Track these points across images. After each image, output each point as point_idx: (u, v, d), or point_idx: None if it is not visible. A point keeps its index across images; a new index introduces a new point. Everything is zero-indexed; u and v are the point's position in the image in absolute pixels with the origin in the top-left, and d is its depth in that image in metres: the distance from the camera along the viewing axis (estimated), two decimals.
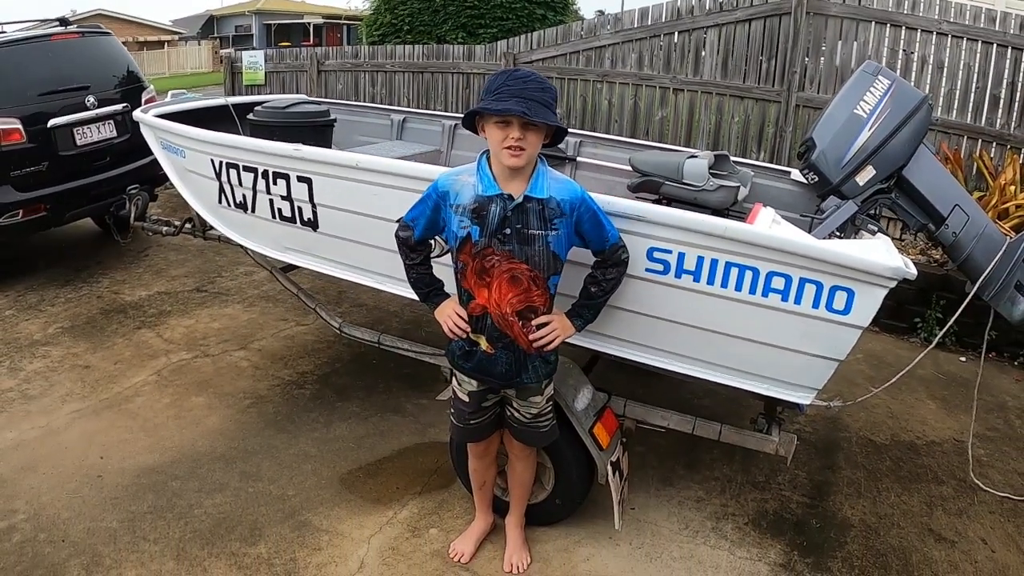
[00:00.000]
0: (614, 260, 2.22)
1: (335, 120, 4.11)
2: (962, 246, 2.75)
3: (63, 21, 6.00)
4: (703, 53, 6.58)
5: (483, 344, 2.22)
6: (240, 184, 3.30)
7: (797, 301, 2.23)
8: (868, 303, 2.19)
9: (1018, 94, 5.43)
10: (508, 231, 2.07)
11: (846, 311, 2.21)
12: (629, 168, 4.24)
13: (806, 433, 3.71)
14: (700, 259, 2.26)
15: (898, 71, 5.70)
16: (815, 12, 5.99)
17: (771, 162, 6.15)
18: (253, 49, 17.45)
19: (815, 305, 2.22)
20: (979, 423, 4.13)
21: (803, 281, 2.20)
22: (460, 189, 2.12)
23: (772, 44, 6.19)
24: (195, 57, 31.84)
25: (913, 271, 2.17)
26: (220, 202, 3.50)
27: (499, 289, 2.12)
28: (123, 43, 6.30)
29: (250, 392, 3.81)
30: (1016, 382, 4.48)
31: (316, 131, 3.99)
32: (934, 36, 5.53)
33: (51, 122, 5.13)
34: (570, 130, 6.68)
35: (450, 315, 2.25)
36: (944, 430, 3.98)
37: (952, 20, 5.50)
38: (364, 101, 8.53)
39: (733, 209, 3.37)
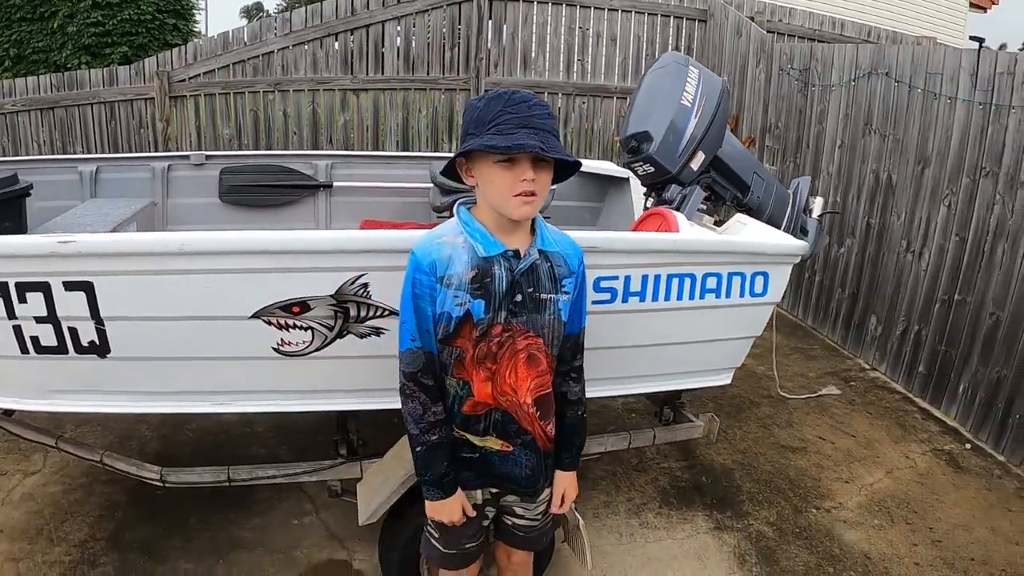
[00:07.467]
0: (579, 347, 1.81)
1: (31, 186, 3.04)
2: (764, 207, 3.13)
3: None
4: (383, 49, 6.38)
5: (493, 444, 1.72)
6: None
7: (728, 295, 2.31)
8: (780, 281, 2.38)
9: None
10: (520, 298, 1.63)
11: (764, 292, 2.37)
12: (406, 186, 3.96)
13: (628, 400, 3.90)
14: (644, 278, 2.18)
15: (576, 46, 6.25)
16: None
17: None
18: None
19: (741, 294, 2.33)
20: None
21: (730, 275, 2.29)
22: (449, 255, 1.61)
23: (454, 32, 6.27)
24: None
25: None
26: None
27: (514, 372, 1.65)
28: None
29: None
30: None
31: (6, 206, 2.92)
32: (606, 12, 6.16)
33: None
34: (320, 152, 5.90)
35: (456, 513, 1.75)
36: None
37: None
38: None
39: None
